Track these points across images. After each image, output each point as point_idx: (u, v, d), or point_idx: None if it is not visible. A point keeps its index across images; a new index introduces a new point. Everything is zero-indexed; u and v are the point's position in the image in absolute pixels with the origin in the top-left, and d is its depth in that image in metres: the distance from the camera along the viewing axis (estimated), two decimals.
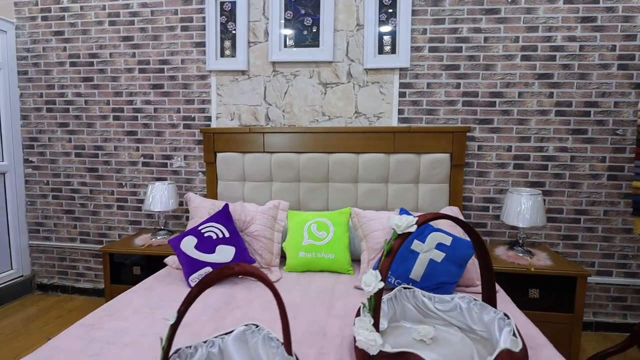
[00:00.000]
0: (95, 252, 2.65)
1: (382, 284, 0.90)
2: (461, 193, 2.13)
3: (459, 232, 1.64)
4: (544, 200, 2.10)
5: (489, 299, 1.10)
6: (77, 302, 2.59)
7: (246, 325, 0.97)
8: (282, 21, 2.24)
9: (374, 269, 0.96)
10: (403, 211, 1.66)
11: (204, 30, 2.33)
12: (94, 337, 1.15)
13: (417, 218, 0.96)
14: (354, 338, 0.97)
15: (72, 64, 2.53)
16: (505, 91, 2.13)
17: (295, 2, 2.22)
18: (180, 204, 2.40)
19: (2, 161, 2.53)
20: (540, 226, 1.99)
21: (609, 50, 2.03)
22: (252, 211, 1.87)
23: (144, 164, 2.52)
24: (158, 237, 2.25)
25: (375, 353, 0.86)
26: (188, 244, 1.66)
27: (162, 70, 2.42)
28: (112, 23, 2.45)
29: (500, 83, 2.13)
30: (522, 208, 1.85)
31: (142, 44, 2.43)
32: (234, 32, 2.30)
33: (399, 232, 0.94)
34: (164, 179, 2.49)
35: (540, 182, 2.14)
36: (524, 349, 0.90)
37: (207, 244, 1.66)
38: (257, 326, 0.96)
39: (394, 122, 2.22)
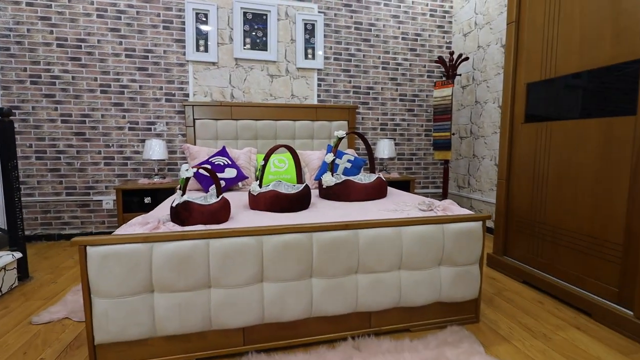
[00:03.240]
0: (82, 202, 3.23)
1: (333, 179, 2.25)
2: (354, 142, 3.66)
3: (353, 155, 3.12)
4: (395, 145, 3.82)
5: (371, 170, 2.58)
6: (63, 245, 3.15)
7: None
8: (241, 31, 3.36)
9: (315, 179, 2.29)
10: (329, 147, 3.05)
11: (183, 30, 3.25)
12: None
13: (344, 133, 2.33)
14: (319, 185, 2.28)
15: (60, 46, 3.07)
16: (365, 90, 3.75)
17: (251, 20, 3.37)
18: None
19: None
20: (392, 158, 3.68)
21: None
22: (237, 152, 2.98)
23: (130, 129, 3.27)
24: (155, 179, 3.10)
25: (329, 184, 2.20)
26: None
27: (146, 57, 3.23)
28: (100, 16, 3.12)
29: (367, 84, 3.74)
30: (385, 148, 3.49)
31: (129, 36, 3.18)
32: (205, 33, 3.29)
33: (339, 137, 2.30)
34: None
35: (393, 136, 3.86)
36: (379, 179, 2.38)
37: (218, 168, 2.72)
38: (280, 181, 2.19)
39: (314, 102, 3.60)
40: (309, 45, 3.54)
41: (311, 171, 3.01)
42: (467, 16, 3.67)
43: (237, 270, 1.37)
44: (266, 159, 1.98)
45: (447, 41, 3.93)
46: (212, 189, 1.90)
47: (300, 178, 2.21)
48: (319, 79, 3.60)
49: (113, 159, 3.26)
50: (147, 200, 2.97)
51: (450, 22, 3.92)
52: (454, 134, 3.93)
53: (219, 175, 2.69)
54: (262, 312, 1.41)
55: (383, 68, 3.76)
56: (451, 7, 3.90)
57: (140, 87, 3.24)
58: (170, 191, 3.05)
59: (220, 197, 1.68)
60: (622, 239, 1.68)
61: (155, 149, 3.05)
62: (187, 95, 3.34)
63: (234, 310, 1.38)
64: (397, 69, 3.81)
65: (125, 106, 3.23)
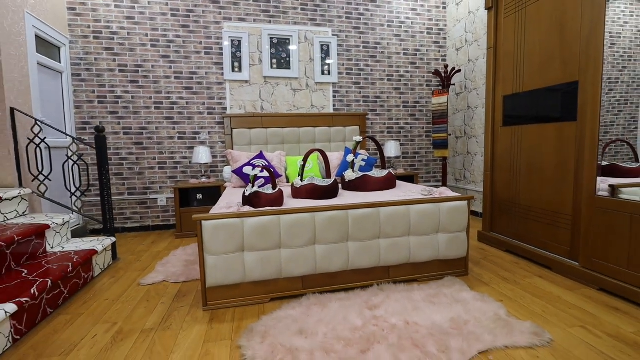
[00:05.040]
0: (140, 200, 3.88)
1: (353, 174, 2.87)
2: (366, 143, 4.29)
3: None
4: (400, 145, 4.45)
5: (383, 166, 3.20)
6: (129, 236, 3.80)
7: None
8: (269, 53, 4.00)
9: (337, 175, 2.92)
10: (347, 149, 3.69)
11: (221, 55, 3.89)
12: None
13: (361, 137, 2.96)
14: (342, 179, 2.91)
15: (121, 71, 3.73)
16: (381, 96, 4.39)
17: (277, 44, 4.01)
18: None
19: (66, 138, 3.55)
20: (398, 156, 4.31)
21: None
22: (270, 155, 3.61)
23: (179, 138, 3.91)
24: (202, 180, 3.74)
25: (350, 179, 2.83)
26: (247, 169, 3.32)
27: (191, 78, 3.87)
28: (153, 45, 3.77)
29: (375, 94, 4.37)
30: (392, 148, 4.12)
31: (177, 61, 3.83)
32: (239, 57, 3.94)
33: (358, 141, 2.93)
34: (193, 148, 3.93)
35: (398, 138, 4.48)
36: (390, 173, 3.00)
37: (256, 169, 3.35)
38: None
39: (331, 111, 4.23)
40: (325, 63, 4.17)
41: (332, 169, 3.65)
42: (458, 34, 4.29)
43: (298, 236, 2.00)
44: (304, 160, 2.62)
45: (443, 55, 4.55)
46: (259, 182, 2.54)
47: (328, 174, 2.84)
48: (334, 91, 4.24)
49: (165, 164, 3.91)
50: (199, 196, 3.61)
51: (445, 39, 4.54)
52: (450, 135, 4.56)
53: (260, 174, 3.33)
54: (315, 265, 2.05)
55: (388, 80, 4.39)
56: (445, 25, 4.53)
57: (187, 103, 3.89)
58: (214, 189, 3.69)
59: (278, 189, 2.31)
60: (571, 211, 2.30)
61: (202, 155, 3.70)
62: (225, 108, 3.98)
63: (296, 263, 2.01)
64: (400, 80, 4.43)
65: (175, 119, 3.88)
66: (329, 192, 2.54)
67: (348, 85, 4.28)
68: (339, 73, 4.24)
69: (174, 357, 1.53)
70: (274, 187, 2.36)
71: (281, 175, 3.47)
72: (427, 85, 4.53)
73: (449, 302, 1.93)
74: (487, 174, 3.06)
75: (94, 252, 2.47)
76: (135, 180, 3.87)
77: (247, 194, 2.23)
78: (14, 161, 2.72)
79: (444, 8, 4.51)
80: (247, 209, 2.13)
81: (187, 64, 3.86)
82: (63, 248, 2.52)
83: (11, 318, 1.65)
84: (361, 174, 2.89)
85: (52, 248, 2.50)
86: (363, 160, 3.49)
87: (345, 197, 2.55)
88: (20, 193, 2.54)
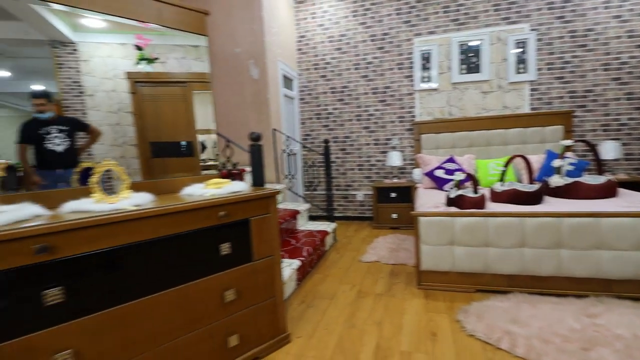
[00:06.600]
0: (343, 195, 4.78)
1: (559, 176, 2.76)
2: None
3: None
4: (622, 145, 3.78)
5: (599, 172, 2.90)
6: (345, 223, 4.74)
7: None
8: (458, 60, 4.17)
9: (537, 180, 2.81)
10: (549, 152, 3.48)
11: (411, 68, 4.34)
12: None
13: (571, 141, 2.79)
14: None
15: (332, 93, 4.70)
16: (587, 93, 3.85)
17: (466, 50, 4.15)
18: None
19: (296, 147, 4.77)
20: (617, 159, 3.69)
21: None
22: (460, 159, 3.81)
23: (374, 144, 4.60)
24: (394, 180, 4.30)
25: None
26: (439, 172, 3.65)
27: (385, 92, 4.49)
28: (356, 69, 4.57)
29: (584, 88, 3.85)
30: (609, 149, 3.58)
31: (374, 79, 4.51)
32: (428, 67, 4.28)
33: (566, 145, 2.79)
34: (386, 152, 4.54)
35: (618, 136, 3.82)
36: (610, 181, 2.70)
37: (449, 172, 3.62)
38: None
39: (526, 111, 4.03)
40: (520, 60, 4.00)
41: (533, 171, 3.52)
42: None
43: (505, 238, 2.20)
44: (506, 165, 2.73)
45: None
46: (451, 184, 2.79)
47: (530, 179, 2.84)
48: (531, 89, 4.01)
49: (363, 166, 4.68)
50: (392, 194, 4.19)
51: None
52: None
53: (450, 178, 3.59)
54: (522, 266, 2.19)
55: (604, 69, 3.81)
56: None
57: (381, 113, 4.53)
58: (405, 188, 4.18)
59: (481, 193, 2.55)
60: None
61: (394, 158, 4.25)
62: (414, 116, 4.41)
63: (503, 262, 2.21)
64: (620, 68, 3.77)
65: (371, 128, 4.59)
66: (533, 197, 2.57)
67: (549, 82, 3.96)
68: (538, 69, 3.98)
69: (406, 317, 2.04)
70: (475, 191, 2.61)
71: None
72: None
73: None
74: None
75: (326, 233, 3.35)
76: (340, 178, 4.79)
77: (451, 196, 2.57)
78: (273, 165, 3.94)
79: None
80: (454, 209, 2.47)
81: (382, 80, 4.49)
82: (306, 228, 3.52)
83: (296, 270, 2.56)
84: (571, 180, 2.75)
85: (299, 227, 3.53)
86: (571, 164, 3.26)
87: (552, 203, 2.53)
88: (282, 187, 3.70)
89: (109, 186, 1.56)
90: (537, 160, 3.54)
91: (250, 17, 3.71)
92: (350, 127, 4.68)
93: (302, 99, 4.84)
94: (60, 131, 1.59)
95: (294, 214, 3.31)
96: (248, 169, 2.95)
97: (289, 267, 2.43)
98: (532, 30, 3.96)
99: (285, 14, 4.42)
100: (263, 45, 3.73)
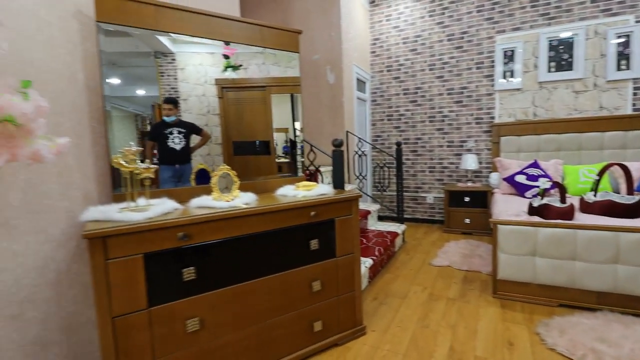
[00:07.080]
0: (412, 197, 4.78)
1: None
2: None
3: None
4: None
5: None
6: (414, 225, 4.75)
7: None
8: (547, 58, 3.88)
9: (638, 190, 2.51)
10: None
11: (492, 67, 4.16)
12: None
13: None
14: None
15: (404, 94, 4.71)
16: None
17: (557, 46, 3.84)
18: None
19: (366, 149, 4.88)
20: None
21: None
22: (545, 164, 3.57)
23: (448, 146, 4.51)
24: (468, 184, 4.18)
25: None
26: (520, 178, 3.47)
27: (461, 93, 4.36)
28: (430, 70, 4.52)
29: None
30: None
31: (450, 79, 4.42)
32: (511, 65, 4.05)
33: None
34: (460, 155, 4.42)
35: None
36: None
37: (531, 178, 3.43)
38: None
39: (628, 112, 3.61)
40: (622, 56, 3.59)
41: (634, 180, 3.18)
42: None
43: (596, 252, 2.07)
44: (600, 175, 2.53)
45: None
46: (533, 191, 2.65)
47: (630, 190, 2.59)
48: (634, 88, 3.58)
49: (434, 168, 4.62)
50: (466, 199, 4.09)
51: None
52: None
53: (532, 184, 3.40)
54: (615, 284, 2.05)
55: None
56: None
57: (457, 115, 4.42)
58: (480, 193, 4.04)
59: (569, 203, 2.41)
60: None
61: (469, 161, 4.13)
62: (493, 117, 4.23)
63: (592, 277, 2.09)
64: None
65: (445, 130, 4.50)
66: (632, 210, 2.36)
67: None
68: None
69: (481, 323, 2.06)
70: (562, 201, 2.47)
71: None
72: None
73: None
74: None
75: (396, 234, 3.43)
76: (410, 180, 4.80)
77: (535, 204, 2.47)
78: (345, 166, 4.11)
79: None
80: (536, 219, 2.38)
81: (459, 80, 4.37)
82: (376, 228, 3.64)
83: (368, 268, 2.70)
84: None
85: (369, 227, 3.66)
86: None
87: None
88: (353, 187, 3.86)
89: (223, 186, 1.87)
90: (637, 168, 3.17)
91: (329, 24, 3.91)
92: (422, 128, 4.65)
93: (373, 101, 4.93)
94: (180, 132, 1.92)
95: (366, 214, 3.45)
96: (322, 168, 3.16)
97: (362, 265, 2.59)
98: (638, 22, 3.52)
99: (360, 18, 4.54)
100: (340, 52, 3.90)
